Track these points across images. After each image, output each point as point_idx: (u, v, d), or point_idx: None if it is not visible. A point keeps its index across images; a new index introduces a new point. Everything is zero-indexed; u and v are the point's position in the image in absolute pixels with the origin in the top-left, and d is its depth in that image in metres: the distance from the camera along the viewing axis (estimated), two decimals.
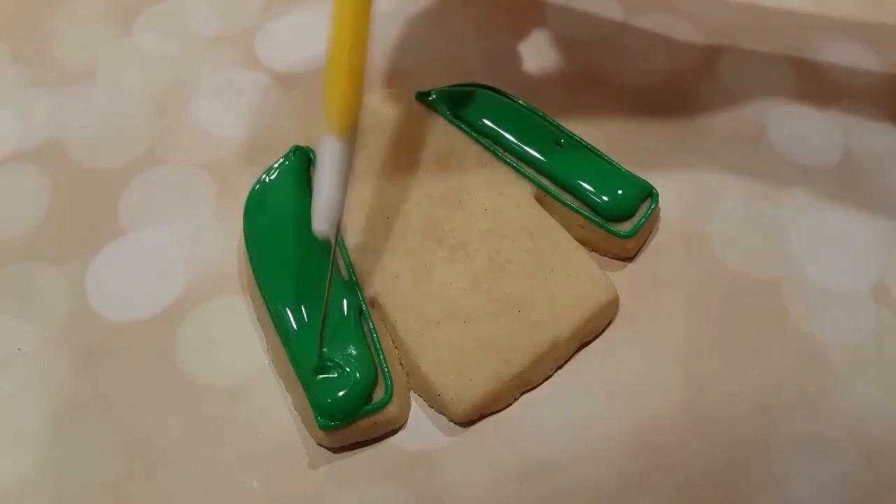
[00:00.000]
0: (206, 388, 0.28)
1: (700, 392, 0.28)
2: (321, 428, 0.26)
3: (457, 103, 0.33)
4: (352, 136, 0.26)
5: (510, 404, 0.28)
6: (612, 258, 0.31)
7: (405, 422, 0.28)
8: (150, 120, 0.35)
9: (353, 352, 0.27)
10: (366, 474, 0.27)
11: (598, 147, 0.32)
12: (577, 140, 0.32)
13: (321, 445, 0.27)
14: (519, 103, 0.33)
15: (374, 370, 0.27)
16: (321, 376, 0.27)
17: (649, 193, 0.31)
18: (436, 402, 0.28)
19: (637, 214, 0.30)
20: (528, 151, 0.31)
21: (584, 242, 0.31)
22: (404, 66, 0.36)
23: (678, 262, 0.31)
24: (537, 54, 0.37)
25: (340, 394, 0.26)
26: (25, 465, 0.27)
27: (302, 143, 0.33)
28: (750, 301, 0.30)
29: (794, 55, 0.37)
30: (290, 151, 0.32)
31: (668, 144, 0.34)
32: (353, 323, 0.28)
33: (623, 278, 0.30)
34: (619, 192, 0.30)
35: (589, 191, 0.30)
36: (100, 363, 0.29)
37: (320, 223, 0.25)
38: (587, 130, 0.33)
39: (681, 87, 0.36)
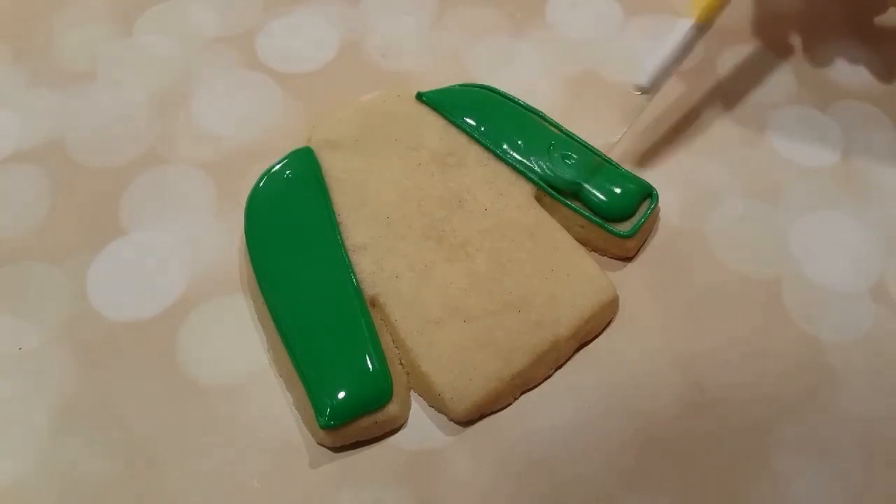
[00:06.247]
0: (207, 387, 0.28)
1: (700, 392, 0.28)
2: (322, 427, 0.26)
3: (457, 103, 0.33)
4: (704, 24, 0.30)
5: (510, 404, 0.28)
6: (612, 258, 0.31)
7: (405, 421, 0.28)
8: (151, 120, 0.35)
9: (354, 351, 0.27)
10: (366, 474, 0.27)
11: (597, 147, 0.32)
12: (576, 140, 0.32)
13: (322, 445, 0.27)
14: (519, 103, 0.33)
15: (374, 370, 0.27)
16: (322, 376, 0.27)
17: (649, 193, 0.31)
18: (436, 402, 0.28)
19: (637, 214, 0.31)
20: (528, 152, 0.31)
21: (584, 242, 0.31)
22: (404, 66, 0.37)
23: (678, 261, 0.31)
24: (537, 54, 0.37)
25: (341, 393, 0.26)
26: (25, 465, 0.27)
27: (302, 144, 0.33)
28: (750, 301, 0.30)
29: (794, 55, 0.37)
30: (290, 152, 0.32)
31: (668, 144, 0.34)
32: (354, 322, 0.28)
33: (623, 278, 0.30)
34: (619, 191, 0.31)
35: (588, 191, 0.30)
36: (100, 363, 0.29)
37: (644, 77, 0.29)
38: (587, 131, 0.33)
39: (681, 87, 0.36)
